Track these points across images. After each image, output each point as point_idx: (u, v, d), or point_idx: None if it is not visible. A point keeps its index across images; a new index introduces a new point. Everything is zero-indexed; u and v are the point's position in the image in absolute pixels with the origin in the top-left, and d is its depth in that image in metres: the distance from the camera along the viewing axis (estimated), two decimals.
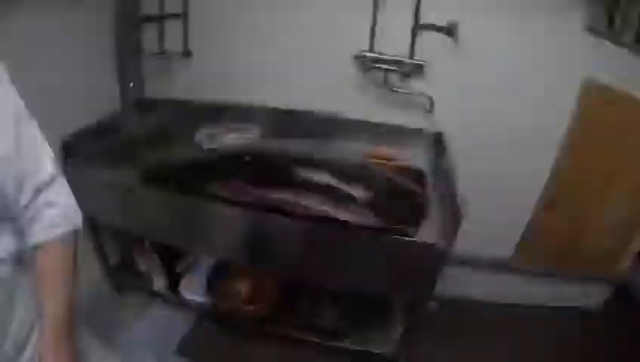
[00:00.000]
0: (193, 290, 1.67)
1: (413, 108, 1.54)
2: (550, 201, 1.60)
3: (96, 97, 1.62)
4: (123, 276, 1.76)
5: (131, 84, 1.72)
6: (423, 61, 1.45)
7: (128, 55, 1.69)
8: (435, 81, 1.49)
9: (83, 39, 1.50)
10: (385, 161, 1.46)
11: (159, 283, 1.71)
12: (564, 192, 1.58)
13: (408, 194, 1.26)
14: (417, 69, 1.47)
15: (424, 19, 1.39)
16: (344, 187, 1.26)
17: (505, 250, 1.71)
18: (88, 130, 1.46)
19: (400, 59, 1.45)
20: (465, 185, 1.20)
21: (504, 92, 1.46)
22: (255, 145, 1.54)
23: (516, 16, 1.35)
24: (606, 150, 1.47)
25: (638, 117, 1.39)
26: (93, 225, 1.53)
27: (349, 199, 1.22)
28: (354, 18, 1.43)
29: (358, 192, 1.24)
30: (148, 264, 1.73)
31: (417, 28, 1.40)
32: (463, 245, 1.23)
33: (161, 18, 1.63)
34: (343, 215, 1.14)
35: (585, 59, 1.36)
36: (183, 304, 1.69)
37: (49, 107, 1.13)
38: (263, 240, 1.24)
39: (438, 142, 1.56)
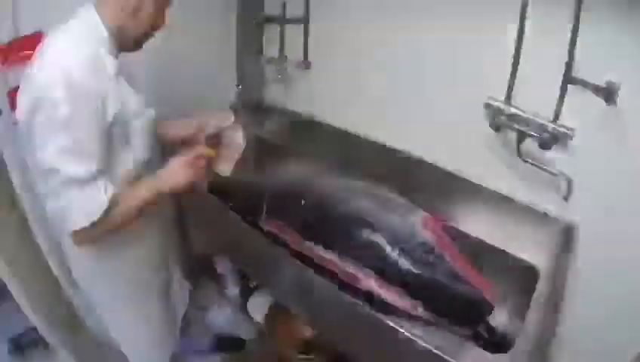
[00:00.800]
0: (258, 310, 1.71)
1: (547, 185, 1.17)
2: None
3: (215, 95, 1.72)
4: (200, 269, 1.82)
5: (239, 87, 1.81)
6: (569, 129, 1.07)
7: (249, 55, 1.80)
8: (581, 157, 1.10)
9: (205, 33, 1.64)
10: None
11: (233, 289, 1.78)
12: None
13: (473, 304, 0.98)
14: (562, 138, 1.09)
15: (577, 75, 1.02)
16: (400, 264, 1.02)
17: None
18: None
19: (541, 121, 1.09)
20: (593, 296, 1.09)
21: None
22: (320, 187, 1.27)
23: None
24: None
25: None
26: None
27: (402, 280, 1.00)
28: (494, 60, 1.15)
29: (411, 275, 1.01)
30: (224, 268, 1.80)
31: (567, 83, 1.03)
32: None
33: (282, 20, 1.64)
34: (390, 296, 0.98)
35: None
36: (246, 315, 1.73)
37: (166, 98, 1.30)
38: (307, 296, 1.09)
39: (566, 235, 1.16)
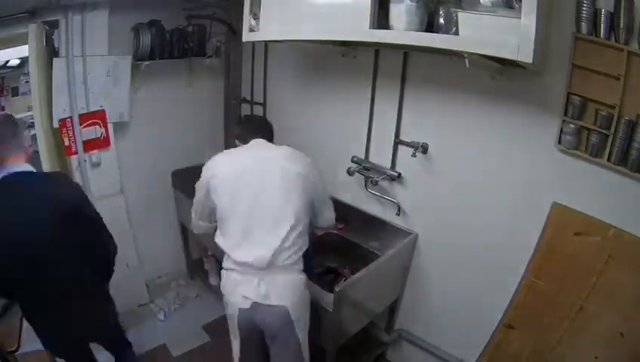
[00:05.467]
0: None
1: (393, 207, 1.85)
2: (511, 321, 1.52)
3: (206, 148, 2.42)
4: (195, 268, 2.66)
5: None
6: (398, 172, 1.81)
7: (231, 123, 2.68)
8: (411, 188, 1.81)
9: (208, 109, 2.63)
10: None
11: (213, 280, 2.53)
12: (525, 316, 1.48)
13: None
14: (397, 178, 1.81)
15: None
16: None
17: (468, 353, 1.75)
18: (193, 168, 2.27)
19: (382, 168, 1.86)
20: (434, 279, 1.79)
21: (471, 206, 1.61)
22: None
23: (481, 138, 1.52)
24: (574, 282, 1.33)
25: (611, 250, 1.25)
26: (183, 229, 2.44)
27: None
28: (359, 130, 1.93)
29: None
30: (209, 265, 2.57)
31: (397, 144, 1.79)
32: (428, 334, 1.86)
33: (251, 102, 2.58)
34: None
35: (556, 179, 1.36)
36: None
37: (169, 149, 2.17)
38: None
39: (410, 239, 1.80)
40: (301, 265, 1.37)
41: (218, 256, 2.37)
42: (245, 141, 1.44)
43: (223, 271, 1.39)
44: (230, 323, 1.43)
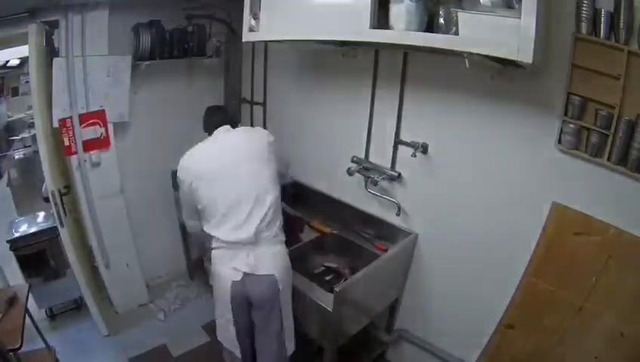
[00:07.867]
0: None
1: (394, 207, 1.84)
2: (511, 321, 1.53)
3: None
4: (196, 268, 2.69)
5: None
6: (398, 172, 1.81)
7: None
8: (410, 188, 1.82)
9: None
10: None
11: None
12: (525, 316, 1.49)
13: None
14: (396, 178, 1.82)
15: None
16: None
17: (468, 353, 1.75)
18: None
19: (382, 168, 1.87)
20: (434, 279, 1.79)
21: (470, 206, 1.61)
22: None
23: (481, 139, 1.53)
24: (574, 282, 1.34)
25: (611, 250, 1.26)
26: (183, 230, 2.45)
27: None
28: (358, 130, 1.94)
29: None
30: (209, 267, 2.58)
31: (397, 144, 1.79)
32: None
33: (251, 102, 2.59)
34: None
35: (556, 178, 1.36)
36: None
37: (169, 149, 2.14)
38: None
39: (410, 238, 1.81)
40: (282, 237, 1.54)
41: None
42: (210, 132, 1.63)
43: (213, 251, 1.52)
44: (221, 302, 1.53)
